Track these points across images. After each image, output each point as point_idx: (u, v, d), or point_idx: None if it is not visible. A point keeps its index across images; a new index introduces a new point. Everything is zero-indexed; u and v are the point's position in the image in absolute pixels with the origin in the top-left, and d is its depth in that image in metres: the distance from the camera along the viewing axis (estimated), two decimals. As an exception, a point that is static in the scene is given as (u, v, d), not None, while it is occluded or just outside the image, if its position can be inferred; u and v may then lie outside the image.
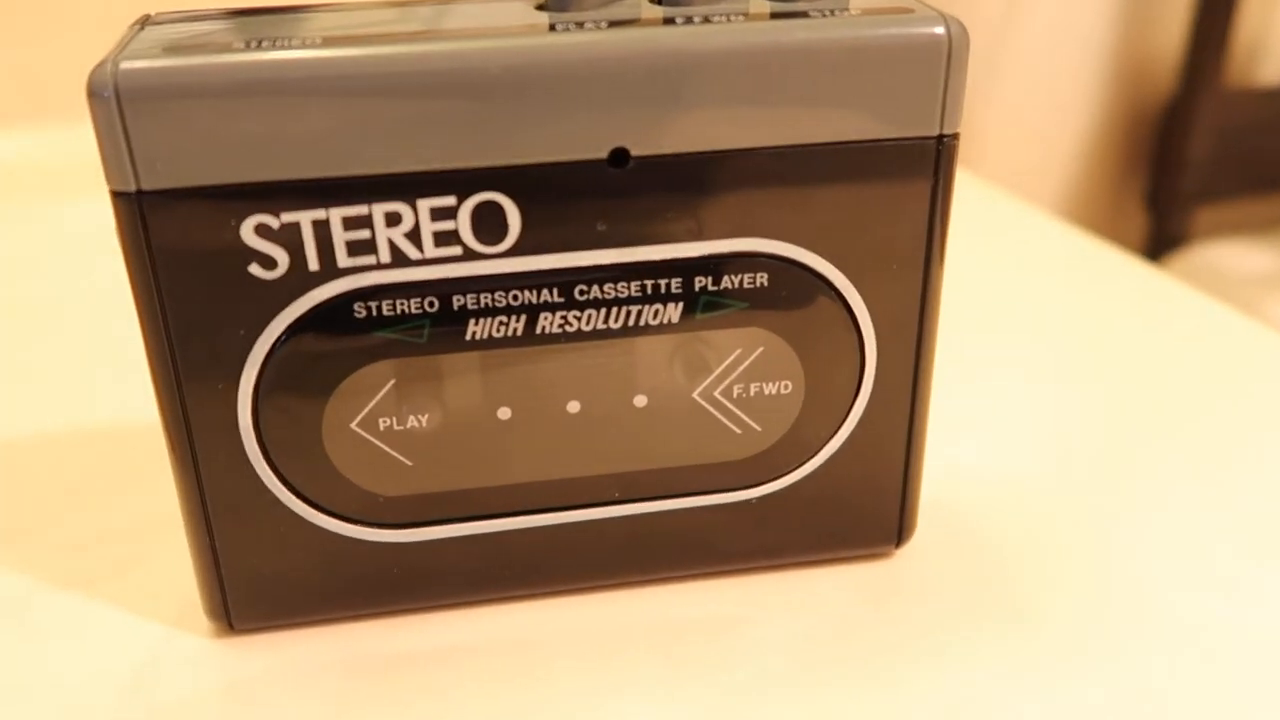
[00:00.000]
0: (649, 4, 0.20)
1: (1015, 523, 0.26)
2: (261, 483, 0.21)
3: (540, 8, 0.20)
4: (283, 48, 0.18)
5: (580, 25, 0.19)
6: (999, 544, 0.25)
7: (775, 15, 0.19)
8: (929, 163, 0.20)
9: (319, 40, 0.18)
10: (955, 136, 0.20)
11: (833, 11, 0.19)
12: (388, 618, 0.23)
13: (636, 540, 0.23)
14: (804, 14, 0.19)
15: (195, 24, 0.19)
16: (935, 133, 0.20)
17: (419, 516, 0.22)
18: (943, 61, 0.20)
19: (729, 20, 0.19)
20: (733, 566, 0.24)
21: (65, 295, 0.38)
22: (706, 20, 0.19)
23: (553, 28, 0.19)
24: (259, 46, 0.18)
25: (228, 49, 0.18)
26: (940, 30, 0.19)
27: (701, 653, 0.22)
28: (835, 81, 0.19)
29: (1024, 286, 0.39)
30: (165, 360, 0.19)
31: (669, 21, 0.19)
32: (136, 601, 0.23)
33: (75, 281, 0.39)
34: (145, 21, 0.20)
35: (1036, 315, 0.37)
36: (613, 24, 0.19)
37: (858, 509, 0.24)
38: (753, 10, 0.20)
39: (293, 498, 0.21)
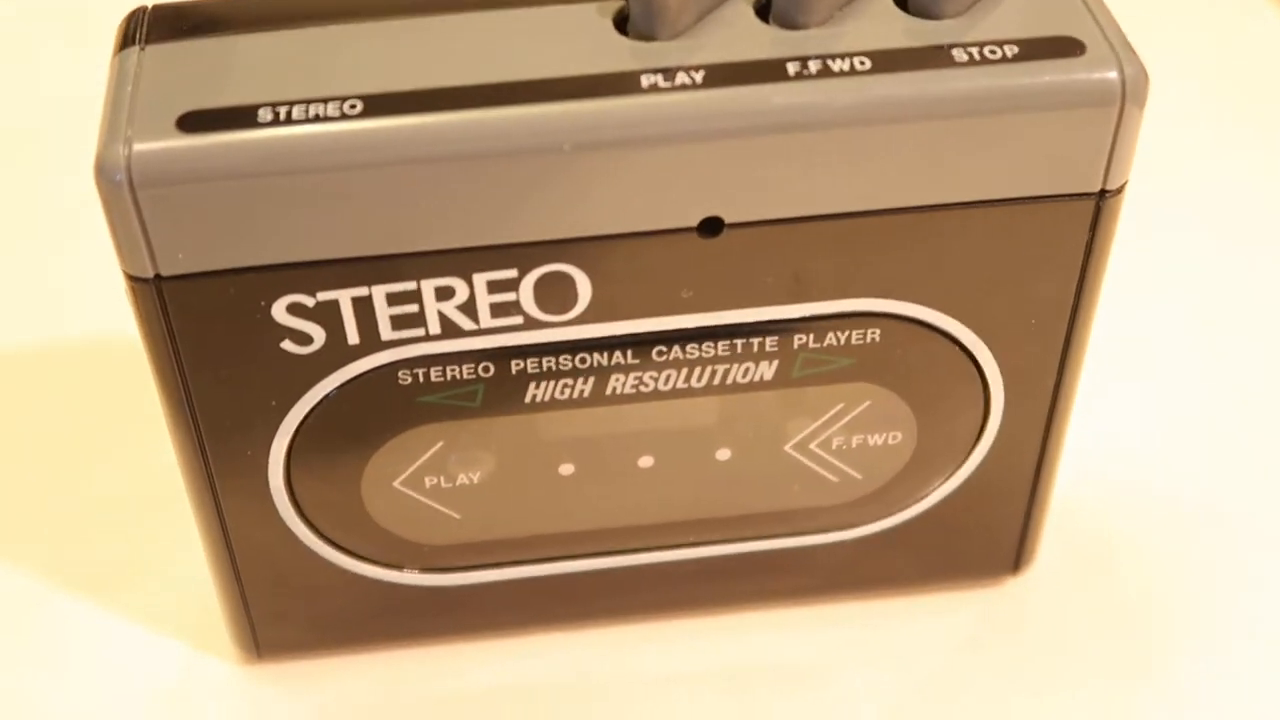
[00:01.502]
0: (755, 20, 0.22)
1: (1165, 534, 0.29)
2: (294, 535, 0.25)
3: (620, 22, 0.22)
4: (316, 118, 0.20)
5: (671, 77, 0.21)
6: (1140, 565, 0.28)
7: (911, 52, 0.21)
8: (1084, 221, 0.23)
9: (358, 104, 0.20)
10: (1120, 190, 0.22)
11: (981, 52, 0.21)
12: (431, 646, 0.28)
13: (712, 577, 0.27)
14: (947, 53, 0.21)
15: (205, 39, 0.22)
16: (1096, 189, 0.22)
17: (467, 562, 0.26)
18: (1114, 111, 0.21)
19: (854, 70, 0.21)
20: (819, 599, 0.28)
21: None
22: (826, 68, 0.21)
23: (638, 79, 0.21)
24: (289, 118, 0.20)
25: (253, 121, 0.20)
26: (1113, 75, 0.21)
27: (778, 706, 0.27)
28: (981, 139, 0.21)
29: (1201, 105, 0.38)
30: (188, 429, 0.23)
31: (779, 68, 0.21)
32: (149, 613, 0.28)
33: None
34: (142, 36, 0.22)
35: (1217, 185, 0.38)
36: (709, 75, 0.21)
37: (970, 543, 0.28)
38: (883, 44, 0.21)
39: (327, 548, 0.25)
